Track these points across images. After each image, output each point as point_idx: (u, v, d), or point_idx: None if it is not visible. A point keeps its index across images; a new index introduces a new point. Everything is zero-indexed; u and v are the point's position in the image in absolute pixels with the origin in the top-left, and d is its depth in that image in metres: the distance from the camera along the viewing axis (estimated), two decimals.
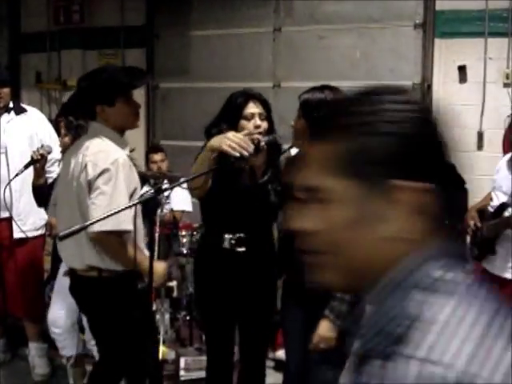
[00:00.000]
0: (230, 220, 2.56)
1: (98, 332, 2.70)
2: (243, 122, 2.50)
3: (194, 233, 4.18)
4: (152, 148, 4.83)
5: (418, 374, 0.66)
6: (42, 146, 3.23)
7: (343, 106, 0.81)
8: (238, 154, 2.27)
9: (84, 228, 2.03)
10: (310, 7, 5.13)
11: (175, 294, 4.23)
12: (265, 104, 2.57)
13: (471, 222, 3.22)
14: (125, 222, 2.34)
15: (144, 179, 4.04)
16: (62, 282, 2.98)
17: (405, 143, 0.74)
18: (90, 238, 2.34)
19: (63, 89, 5.83)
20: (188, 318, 4.17)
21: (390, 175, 0.73)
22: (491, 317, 0.69)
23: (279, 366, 3.53)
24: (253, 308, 2.68)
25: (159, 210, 3.55)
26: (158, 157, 4.49)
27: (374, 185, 0.73)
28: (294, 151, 2.65)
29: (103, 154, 2.41)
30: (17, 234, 3.57)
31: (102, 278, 2.49)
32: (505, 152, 4.02)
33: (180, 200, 4.25)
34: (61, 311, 3.33)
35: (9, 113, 3.62)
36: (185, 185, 2.50)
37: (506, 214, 2.99)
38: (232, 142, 2.28)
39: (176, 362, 3.75)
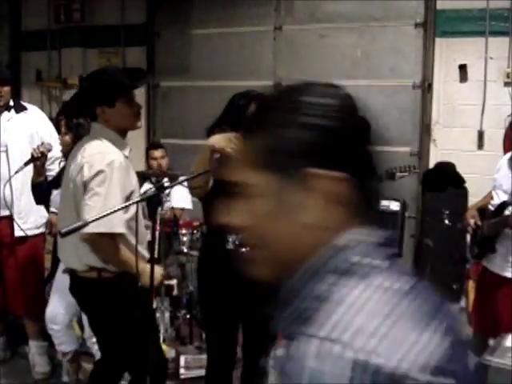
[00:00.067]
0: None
1: (99, 331, 2.70)
2: None
3: (195, 231, 4.18)
4: (152, 145, 4.83)
5: (317, 353, 0.67)
6: (43, 144, 3.22)
7: (266, 103, 0.84)
8: None
9: (86, 225, 2.04)
10: (310, 6, 5.13)
11: (175, 292, 4.24)
12: None
13: (472, 221, 3.22)
14: (117, 224, 2.34)
15: (144, 177, 4.05)
16: (61, 279, 2.98)
17: (321, 134, 0.76)
18: (83, 238, 2.34)
19: (64, 87, 5.83)
20: (188, 316, 4.17)
21: (306, 165, 0.75)
22: (400, 298, 0.70)
23: None
24: (256, 308, 2.68)
25: (159, 208, 3.54)
26: (158, 153, 4.49)
27: (291, 175, 0.76)
28: None
29: (100, 155, 2.41)
30: (18, 233, 3.57)
31: (102, 278, 2.48)
32: (505, 151, 4.02)
33: (180, 197, 4.25)
34: (59, 308, 3.34)
35: (9, 111, 3.62)
36: (185, 183, 2.50)
37: (507, 212, 2.99)
38: (236, 145, 2.26)
39: (176, 360, 3.75)
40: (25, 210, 3.58)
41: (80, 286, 2.57)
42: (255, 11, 5.27)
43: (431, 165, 4.92)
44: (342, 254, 0.75)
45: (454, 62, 4.72)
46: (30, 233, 3.59)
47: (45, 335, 3.63)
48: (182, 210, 4.36)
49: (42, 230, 3.73)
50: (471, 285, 3.81)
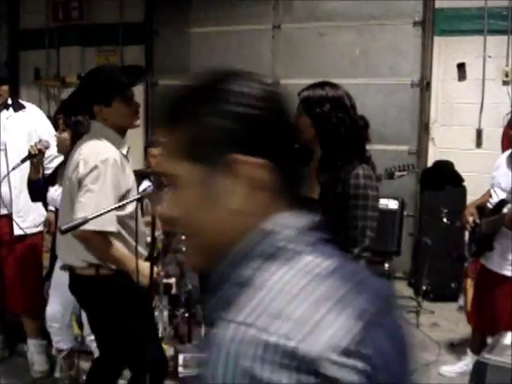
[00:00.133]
0: None
1: (98, 328, 2.70)
2: None
3: None
4: (151, 142, 4.82)
5: (233, 337, 0.67)
6: (40, 141, 3.22)
7: (189, 93, 0.84)
8: None
9: (86, 222, 2.04)
10: (309, 4, 5.14)
11: (174, 290, 4.23)
12: None
13: (470, 219, 3.22)
14: (108, 223, 2.34)
15: (143, 175, 4.04)
16: (59, 277, 2.98)
17: (242, 122, 0.78)
18: (75, 235, 2.34)
19: (62, 85, 5.83)
20: (187, 314, 4.17)
21: (229, 152, 0.77)
22: (318, 282, 0.71)
23: None
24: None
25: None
26: (156, 151, 4.49)
27: (216, 163, 0.77)
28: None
29: (95, 152, 2.41)
30: (17, 231, 3.56)
31: (100, 275, 2.48)
32: (504, 149, 4.02)
33: None
34: (59, 306, 3.34)
35: (7, 109, 3.61)
36: None
37: (505, 210, 2.99)
38: None
39: (175, 358, 3.74)
40: (24, 208, 3.57)
41: (79, 283, 2.57)
42: (254, 10, 5.27)
43: (430, 163, 4.93)
44: (268, 238, 0.76)
45: (453, 61, 4.73)
46: (28, 231, 3.59)
47: (43, 333, 3.63)
48: None
49: (40, 228, 3.73)
50: (469, 283, 3.81)
